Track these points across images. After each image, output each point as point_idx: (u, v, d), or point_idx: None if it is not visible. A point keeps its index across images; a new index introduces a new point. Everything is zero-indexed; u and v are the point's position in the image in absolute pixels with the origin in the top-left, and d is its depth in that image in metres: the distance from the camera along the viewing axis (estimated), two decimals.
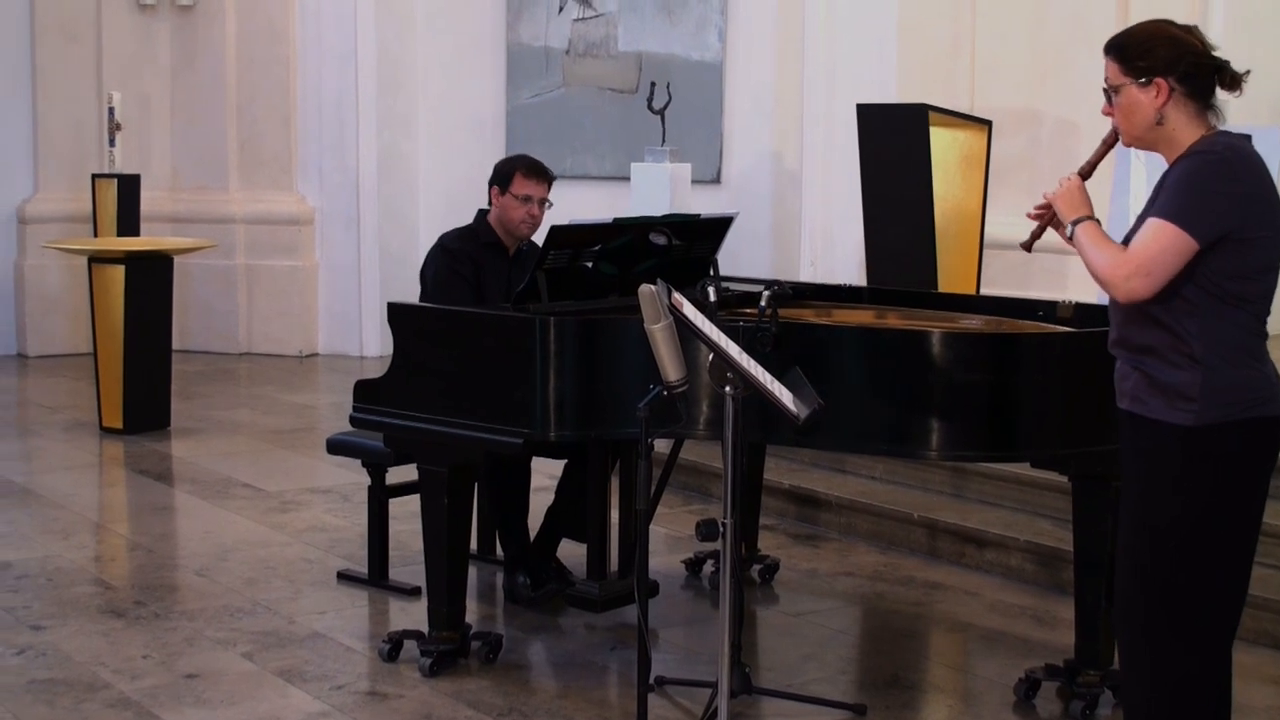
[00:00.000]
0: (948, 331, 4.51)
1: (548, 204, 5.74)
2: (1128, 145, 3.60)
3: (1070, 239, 3.52)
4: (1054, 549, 5.98)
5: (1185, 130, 3.44)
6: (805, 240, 9.66)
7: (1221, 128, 3.48)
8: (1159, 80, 3.42)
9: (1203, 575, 3.42)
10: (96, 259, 8.96)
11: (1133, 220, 3.56)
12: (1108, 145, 3.68)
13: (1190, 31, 3.50)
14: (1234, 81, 3.47)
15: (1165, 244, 3.31)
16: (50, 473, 7.94)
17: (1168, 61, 3.42)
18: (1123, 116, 3.50)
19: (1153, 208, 3.43)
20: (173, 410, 9.05)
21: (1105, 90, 3.52)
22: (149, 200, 11.14)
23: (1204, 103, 3.46)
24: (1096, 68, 3.57)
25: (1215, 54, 3.46)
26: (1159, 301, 3.36)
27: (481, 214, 5.79)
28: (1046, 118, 8.69)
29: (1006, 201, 8.16)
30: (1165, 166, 3.49)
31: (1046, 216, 3.66)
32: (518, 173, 5.68)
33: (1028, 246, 3.82)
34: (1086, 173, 3.66)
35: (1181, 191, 3.36)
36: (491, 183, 5.73)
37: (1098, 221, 3.51)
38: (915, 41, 9.08)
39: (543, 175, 5.72)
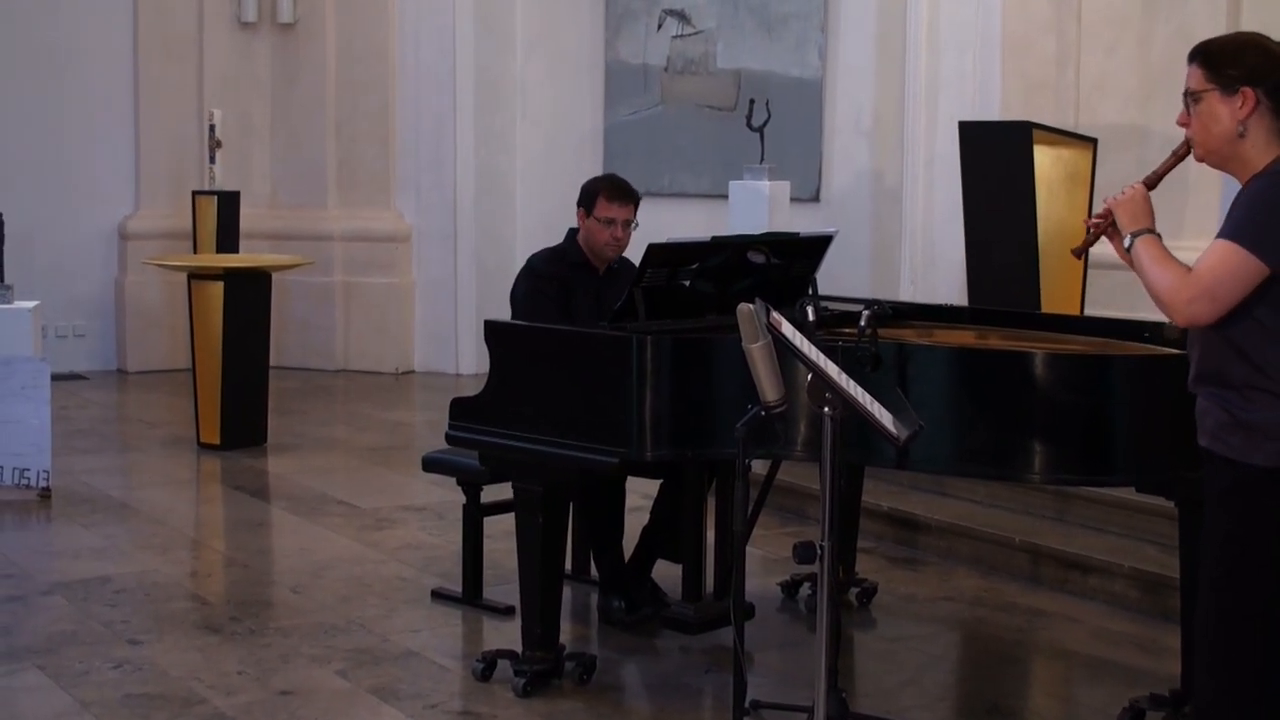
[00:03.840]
0: (1050, 353, 4.46)
1: (634, 225, 5.72)
2: (1199, 160, 3.44)
3: (1128, 251, 3.40)
4: (1160, 575, 5.90)
5: (1262, 149, 3.31)
6: (905, 259, 9.59)
7: None
8: (1246, 90, 3.30)
9: None
10: (196, 275, 9.08)
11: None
12: (1178, 157, 3.54)
13: None
14: None
15: (1233, 267, 3.19)
16: (148, 488, 8.05)
17: (1258, 72, 3.30)
18: (1201, 127, 3.37)
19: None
20: (269, 426, 9.15)
21: (1185, 97, 3.39)
22: (248, 217, 11.29)
23: None
24: None
25: None
26: (1227, 326, 3.24)
27: (572, 233, 5.79)
28: (1153, 135, 8.58)
29: None
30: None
31: (1105, 224, 3.52)
32: (601, 195, 5.66)
33: (1078, 253, 3.71)
34: (1152, 183, 3.52)
35: (1251, 212, 3.23)
36: (578, 204, 5.73)
37: (1159, 236, 3.39)
38: (1019, 58, 9.00)
39: (627, 197, 5.69)
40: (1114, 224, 3.48)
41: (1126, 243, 3.39)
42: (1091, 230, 3.58)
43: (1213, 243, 3.27)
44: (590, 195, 5.69)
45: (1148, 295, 3.38)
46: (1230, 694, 3.34)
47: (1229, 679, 3.34)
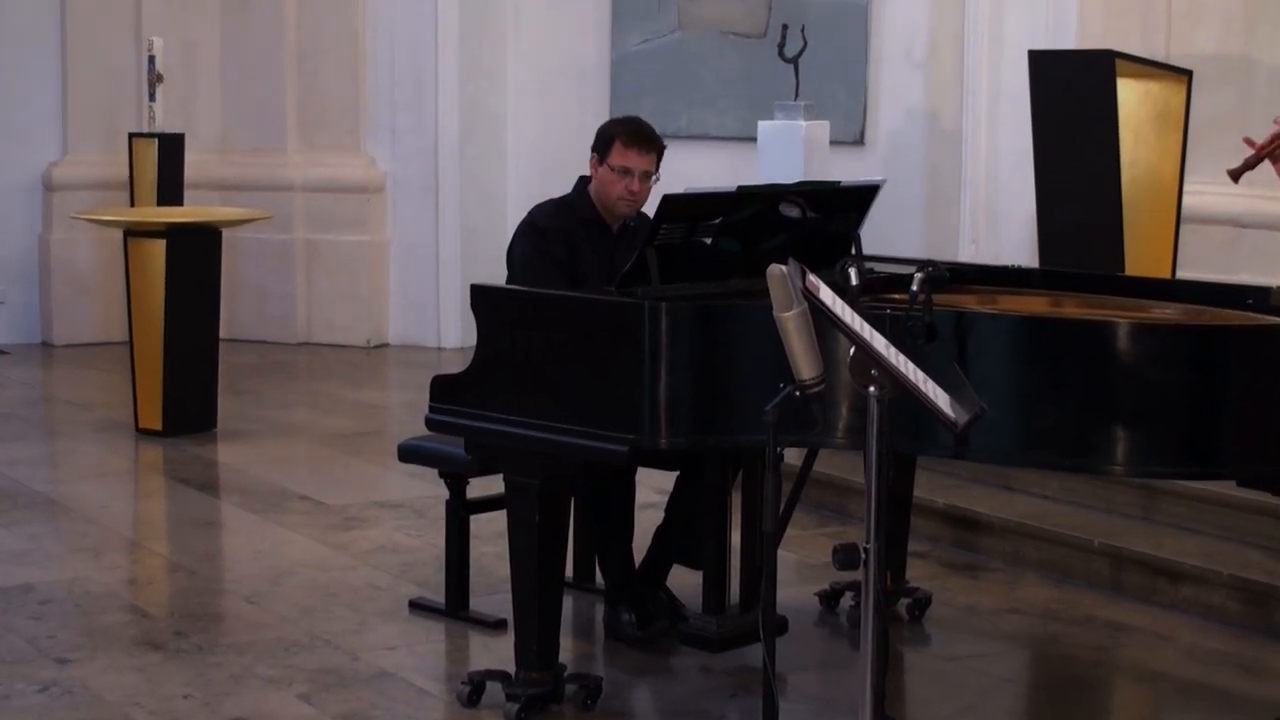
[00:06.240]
0: (1137, 322, 4.46)
1: (654, 178, 5.69)
2: None
3: None
4: (1264, 585, 5.91)
5: None
6: (965, 213, 9.59)
7: None
8: None
9: None
10: (133, 232, 9.09)
11: None
12: None
13: None
14: None
15: None
16: (79, 481, 8.07)
17: None
18: None
19: None
20: (220, 409, 9.16)
21: None
22: (194, 164, 11.27)
23: None
24: None
25: None
26: None
27: (583, 182, 5.77)
28: (1258, 67, 8.56)
29: (1209, 167, 8.02)
30: None
31: (1274, 144, 3.49)
32: (618, 140, 5.62)
33: (1236, 175, 3.69)
34: None
35: None
36: (593, 148, 5.70)
37: None
38: None
39: (647, 144, 5.65)
40: None
41: None
42: (1255, 150, 3.54)
43: None
44: (605, 139, 5.66)
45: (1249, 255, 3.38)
46: None
47: None
